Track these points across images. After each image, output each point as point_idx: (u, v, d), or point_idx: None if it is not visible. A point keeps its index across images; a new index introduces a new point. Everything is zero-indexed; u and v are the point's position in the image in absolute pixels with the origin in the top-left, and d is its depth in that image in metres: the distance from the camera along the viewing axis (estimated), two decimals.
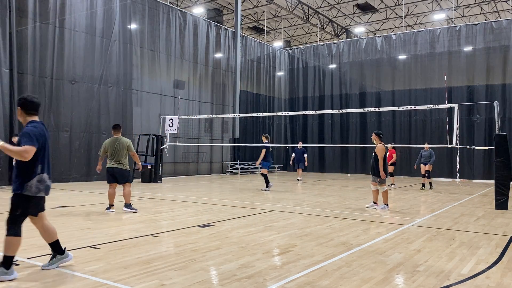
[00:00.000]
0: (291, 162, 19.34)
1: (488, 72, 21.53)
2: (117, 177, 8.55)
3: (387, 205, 9.72)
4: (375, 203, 9.95)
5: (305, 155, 18.64)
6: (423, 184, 15.46)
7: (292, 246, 5.83)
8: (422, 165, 15.25)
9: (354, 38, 27.70)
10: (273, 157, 26.86)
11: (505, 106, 20.62)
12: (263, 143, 14.02)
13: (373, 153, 9.65)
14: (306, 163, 18.66)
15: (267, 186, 13.82)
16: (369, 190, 14.99)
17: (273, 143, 26.56)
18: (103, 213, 8.52)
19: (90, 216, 8.16)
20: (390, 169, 16.29)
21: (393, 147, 16.65)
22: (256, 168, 24.70)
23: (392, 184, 16.43)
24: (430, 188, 15.28)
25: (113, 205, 8.66)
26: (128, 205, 8.65)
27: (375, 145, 9.82)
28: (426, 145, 15.36)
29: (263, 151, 13.67)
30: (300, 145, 18.99)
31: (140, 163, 9.22)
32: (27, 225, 7.09)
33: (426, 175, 15.16)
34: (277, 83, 27.95)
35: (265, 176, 13.95)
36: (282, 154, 28.03)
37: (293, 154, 18.94)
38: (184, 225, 7.34)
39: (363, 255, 5.35)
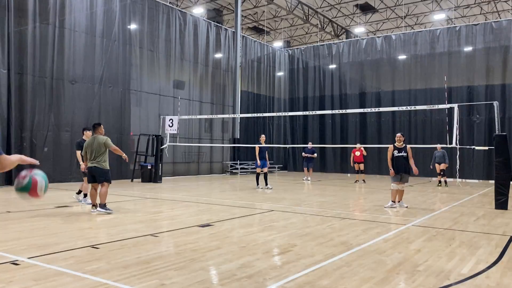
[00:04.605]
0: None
1: (488, 72, 21.52)
2: (95, 176, 8.59)
3: (394, 202, 9.99)
4: (398, 201, 10.10)
5: (315, 155, 19.09)
6: (440, 182, 16.58)
7: (292, 246, 5.83)
8: (437, 165, 16.28)
9: (354, 38, 27.68)
10: (272, 157, 26.93)
11: (505, 106, 20.59)
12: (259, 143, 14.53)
13: (405, 153, 9.76)
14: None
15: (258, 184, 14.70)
16: (369, 190, 15.07)
17: (272, 143, 26.59)
18: (103, 213, 8.51)
19: (90, 216, 8.17)
20: (358, 166, 17.95)
21: (360, 147, 18.04)
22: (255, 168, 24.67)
23: (362, 180, 18.04)
24: (446, 185, 16.43)
25: (94, 205, 8.63)
26: (102, 206, 8.56)
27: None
28: (438, 146, 16.00)
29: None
30: (310, 145, 19.28)
31: (124, 155, 8.97)
32: (27, 224, 7.12)
33: (442, 173, 16.28)
34: (277, 83, 27.93)
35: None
36: (281, 154, 28.01)
37: (303, 153, 19.22)
38: (184, 225, 7.34)
39: (363, 255, 5.35)
